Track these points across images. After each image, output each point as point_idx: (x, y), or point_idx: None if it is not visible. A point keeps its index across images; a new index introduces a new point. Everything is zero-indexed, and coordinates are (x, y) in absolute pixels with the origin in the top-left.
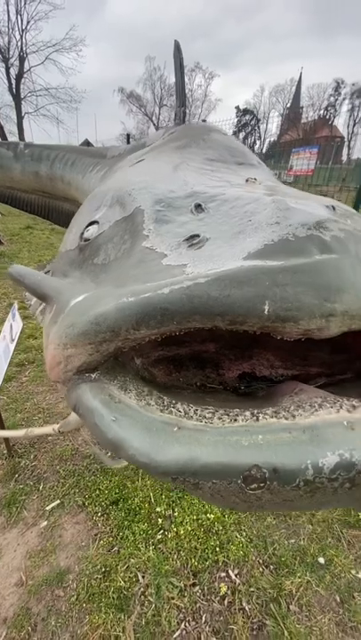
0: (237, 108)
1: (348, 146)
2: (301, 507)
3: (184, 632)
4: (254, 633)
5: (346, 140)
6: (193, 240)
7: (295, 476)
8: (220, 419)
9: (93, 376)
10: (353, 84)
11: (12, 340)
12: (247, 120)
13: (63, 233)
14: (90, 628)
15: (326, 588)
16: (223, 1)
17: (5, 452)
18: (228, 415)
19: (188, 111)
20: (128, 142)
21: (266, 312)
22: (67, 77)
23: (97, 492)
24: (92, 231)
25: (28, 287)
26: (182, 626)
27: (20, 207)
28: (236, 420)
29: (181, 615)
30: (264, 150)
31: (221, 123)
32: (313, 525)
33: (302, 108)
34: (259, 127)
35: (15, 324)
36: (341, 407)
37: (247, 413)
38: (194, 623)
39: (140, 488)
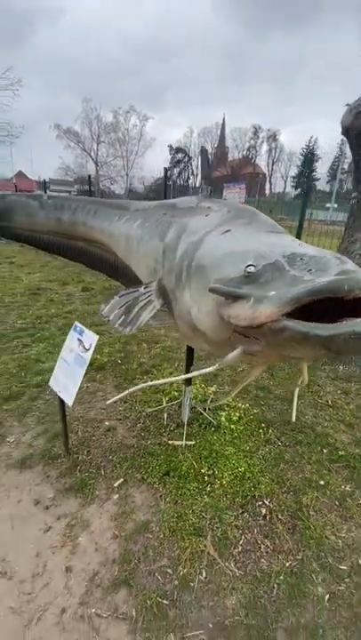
0: (170, 146)
1: (270, 181)
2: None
3: (245, 539)
4: (290, 531)
5: (267, 176)
6: (311, 271)
7: (355, 333)
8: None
9: (286, 317)
10: (268, 130)
11: (87, 350)
12: (180, 157)
13: (22, 266)
14: (181, 551)
15: (329, 498)
16: (141, 45)
17: (60, 452)
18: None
19: (125, 148)
20: (89, 182)
21: (345, 289)
22: (3, 114)
23: (150, 468)
24: (252, 269)
25: (227, 294)
26: (242, 537)
27: (37, 246)
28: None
29: (240, 530)
30: (197, 185)
31: (159, 163)
32: (311, 465)
33: (228, 148)
34: (191, 164)
35: (86, 337)
36: None
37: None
38: (250, 534)
39: (183, 460)
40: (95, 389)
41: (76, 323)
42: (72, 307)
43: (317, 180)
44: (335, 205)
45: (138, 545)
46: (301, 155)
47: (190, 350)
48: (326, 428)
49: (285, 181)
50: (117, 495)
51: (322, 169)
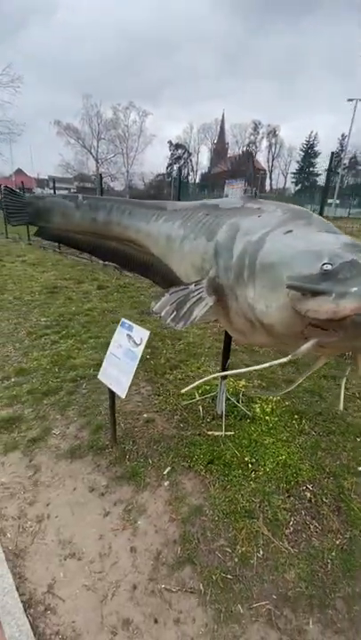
0: (170, 142)
1: (270, 177)
2: None
3: (294, 521)
4: (336, 512)
5: (268, 172)
6: None
7: None
8: None
9: None
10: (268, 125)
11: (137, 344)
12: (180, 154)
13: (34, 264)
14: (236, 531)
15: None
16: (139, 39)
17: (107, 442)
18: None
19: (125, 144)
20: (100, 180)
21: None
22: (4, 111)
23: (194, 457)
24: (329, 267)
25: (307, 290)
26: (292, 518)
27: (71, 245)
28: None
29: (289, 513)
30: (197, 181)
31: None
32: (347, 452)
33: (228, 143)
34: (191, 160)
35: (136, 333)
36: None
37: None
38: (298, 515)
39: (225, 449)
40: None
41: (124, 319)
42: (91, 304)
43: (318, 175)
44: (337, 201)
45: (195, 527)
46: (301, 150)
47: (227, 345)
48: (356, 418)
49: (286, 177)
50: (168, 482)
51: (322, 165)
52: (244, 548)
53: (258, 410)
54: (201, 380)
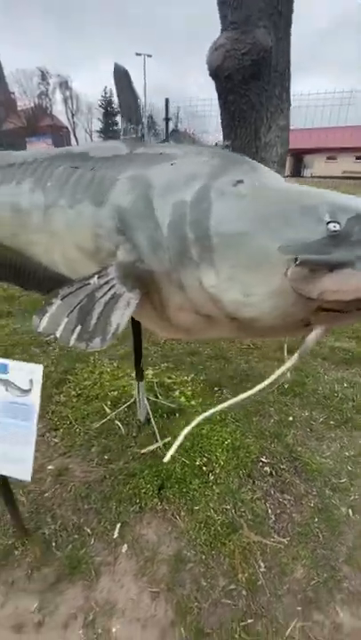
0: None
1: (75, 136)
2: None
3: (271, 505)
4: (296, 473)
5: (70, 130)
6: None
7: None
8: None
9: None
10: (58, 76)
11: (26, 391)
12: None
13: None
14: (230, 558)
15: (301, 429)
16: None
17: (12, 540)
18: None
19: None
20: None
21: None
22: None
23: (142, 492)
24: (337, 227)
25: (319, 263)
26: (267, 504)
27: None
28: None
29: (262, 500)
30: None
31: None
32: (273, 407)
33: (14, 93)
34: None
35: (17, 373)
36: None
37: None
38: (270, 497)
39: (171, 461)
40: None
41: None
42: None
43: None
44: None
45: (187, 585)
46: (100, 107)
47: (138, 342)
48: (261, 368)
49: (91, 136)
50: (125, 546)
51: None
52: (246, 574)
53: (181, 398)
54: (175, 445)
